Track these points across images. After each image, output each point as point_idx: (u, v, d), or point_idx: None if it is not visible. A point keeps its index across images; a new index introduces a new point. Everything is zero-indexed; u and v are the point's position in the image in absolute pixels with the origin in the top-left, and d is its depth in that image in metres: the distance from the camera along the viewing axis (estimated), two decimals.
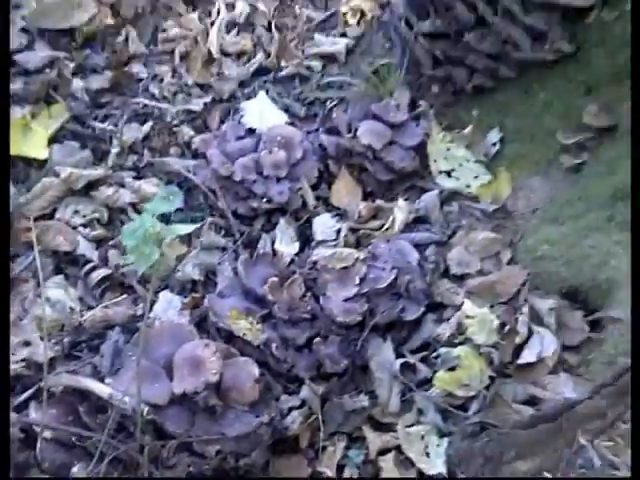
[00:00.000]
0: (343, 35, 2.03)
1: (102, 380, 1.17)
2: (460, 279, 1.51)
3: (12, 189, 1.36)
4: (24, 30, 1.65)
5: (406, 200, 1.66)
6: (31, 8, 1.68)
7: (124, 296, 1.38)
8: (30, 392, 1.17)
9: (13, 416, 1.08)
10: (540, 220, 1.60)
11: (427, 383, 1.29)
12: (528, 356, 1.29)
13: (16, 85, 1.53)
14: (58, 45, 1.70)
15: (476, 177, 1.66)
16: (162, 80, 1.83)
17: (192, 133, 1.74)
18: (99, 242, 1.45)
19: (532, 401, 1.23)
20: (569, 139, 1.63)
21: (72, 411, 1.13)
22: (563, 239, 1.49)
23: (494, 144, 1.70)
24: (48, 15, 1.70)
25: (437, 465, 1.20)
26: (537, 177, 1.61)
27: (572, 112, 1.63)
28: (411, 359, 1.36)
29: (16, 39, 1.59)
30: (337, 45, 2.00)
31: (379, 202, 1.70)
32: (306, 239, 1.66)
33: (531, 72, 1.70)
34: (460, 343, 1.34)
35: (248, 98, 1.87)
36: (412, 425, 1.26)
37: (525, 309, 1.37)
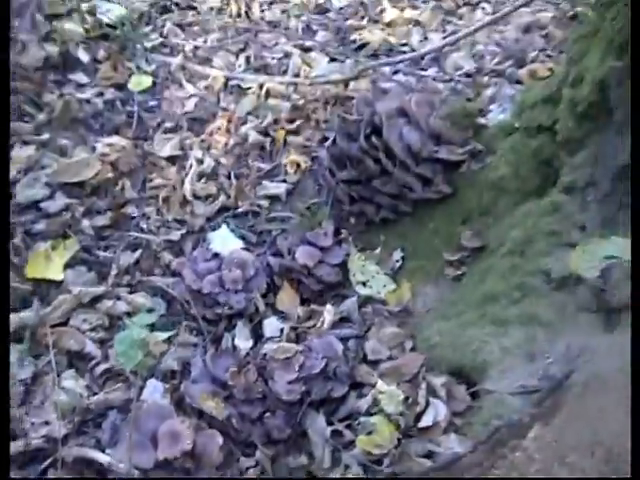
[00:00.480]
0: (284, 181, 2.38)
1: (103, 451, 1.40)
2: (374, 364, 1.74)
3: (36, 304, 1.61)
4: (47, 184, 1.93)
5: (333, 305, 1.91)
6: (53, 168, 1.98)
7: (120, 384, 1.58)
8: (49, 461, 1.38)
9: None
10: (433, 317, 1.83)
11: (351, 444, 1.52)
12: (426, 421, 1.53)
13: (40, 225, 1.80)
14: (72, 194, 2.00)
15: (385, 286, 1.98)
16: (149, 218, 2.08)
17: (171, 257, 1.99)
18: (102, 343, 1.68)
19: (430, 455, 1.47)
20: (452, 256, 1.96)
21: (80, 475, 1.37)
22: (450, 331, 1.71)
23: (397, 261, 2.06)
24: (65, 172, 1.99)
25: None
26: (430, 285, 1.95)
27: (453, 237, 2.02)
28: (339, 427, 1.59)
29: (41, 191, 1.87)
30: (280, 189, 2.35)
31: (313, 306, 1.94)
32: (258, 336, 1.85)
33: (422, 208, 2.12)
34: (375, 413, 1.57)
35: (213, 230, 2.13)
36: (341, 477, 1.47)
37: (423, 385, 1.61)
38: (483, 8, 3.84)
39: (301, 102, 2.81)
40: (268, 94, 2.81)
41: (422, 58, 3.07)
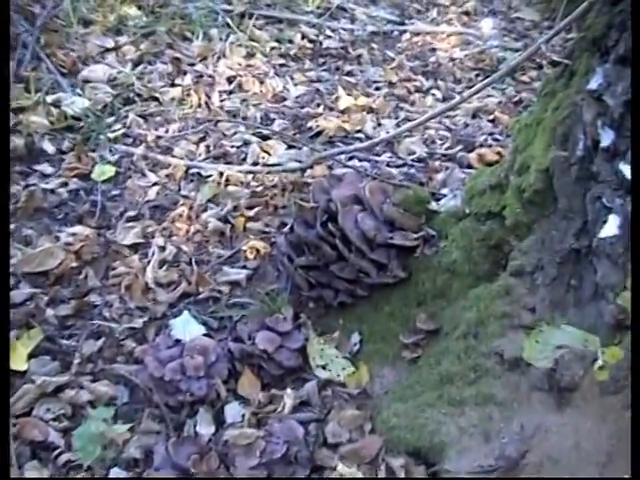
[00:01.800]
0: (244, 267, 2.53)
1: None
2: (335, 447, 1.84)
3: None
4: (12, 274, 2.01)
5: (293, 389, 1.99)
6: (18, 257, 2.09)
7: (83, 474, 1.66)
8: None
9: None
10: (390, 399, 1.92)
11: None
12: None
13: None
14: (36, 284, 2.10)
15: (344, 369, 2.09)
16: (112, 306, 2.18)
17: (134, 345, 2.07)
18: (65, 432, 1.74)
19: None
20: (408, 339, 2.08)
21: None
22: (408, 413, 1.80)
23: (355, 344, 2.17)
24: (29, 262, 2.10)
25: None
26: (387, 367, 2.06)
27: (409, 320, 2.14)
28: None
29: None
30: (240, 275, 2.45)
31: (274, 391, 2.01)
32: (220, 422, 1.92)
33: (378, 292, 2.24)
34: None
35: (175, 316, 2.22)
36: None
37: (382, 467, 1.74)
38: (433, 94, 4.29)
39: (260, 189, 3.03)
40: (228, 182, 3.04)
41: (376, 145, 3.47)
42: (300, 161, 3.26)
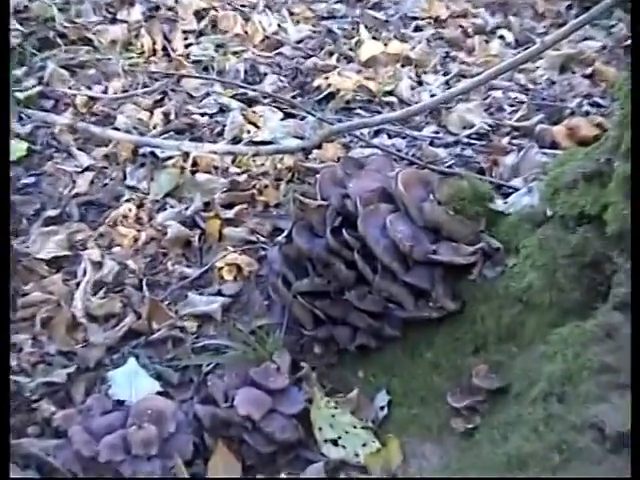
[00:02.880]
0: (219, 293, 2.56)
1: None
2: None
3: None
4: None
5: (289, 474, 2.05)
6: None
7: None
8: None
9: None
10: None
11: None
12: None
13: None
14: None
15: (364, 445, 2.11)
16: (21, 350, 2.17)
17: (53, 409, 2.06)
18: None
19: None
20: (459, 402, 2.12)
21: None
22: None
23: (382, 408, 2.22)
24: None
25: None
26: (428, 443, 2.10)
27: (461, 373, 2.21)
28: None
29: None
30: (213, 304, 2.52)
31: (261, 477, 2.07)
32: None
33: (416, 331, 2.35)
34: None
35: (117, 366, 2.24)
36: None
37: None
38: (501, 37, 4.28)
39: (243, 178, 3.07)
40: (196, 167, 3.10)
41: (415, 114, 3.48)
42: (302, 137, 3.30)
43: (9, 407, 1.77)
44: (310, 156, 3.13)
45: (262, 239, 2.90)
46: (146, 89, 3.32)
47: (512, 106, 3.61)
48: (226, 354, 2.47)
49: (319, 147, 3.15)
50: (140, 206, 2.85)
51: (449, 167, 3.20)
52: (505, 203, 2.66)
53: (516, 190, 2.77)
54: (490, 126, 3.44)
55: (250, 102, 3.39)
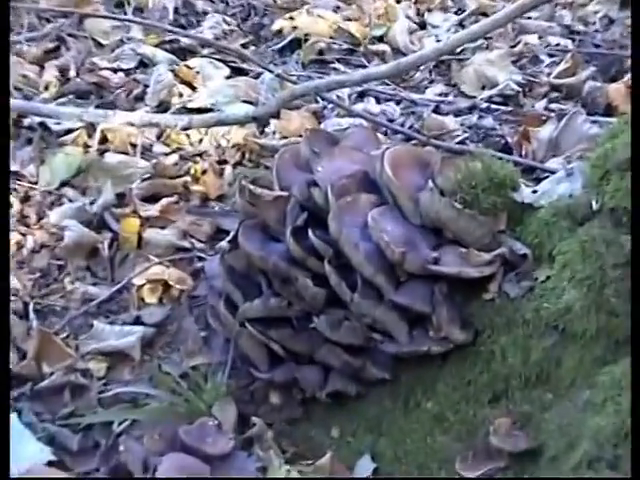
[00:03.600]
0: (138, 321, 2.70)
1: None
2: None
3: None
4: None
5: None
6: None
7: None
8: None
9: None
10: None
11: None
12: None
13: None
14: None
15: None
16: None
17: None
18: None
19: None
20: (473, 470, 2.21)
21: None
22: None
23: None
24: None
25: None
26: None
27: (474, 430, 2.32)
28: None
29: None
30: (129, 337, 2.60)
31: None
32: None
33: (411, 372, 2.44)
34: None
35: None
36: None
37: None
38: None
39: (172, 160, 3.16)
40: (106, 145, 3.17)
41: (417, 67, 3.49)
42: (256, 103, 3.36)
43: (9, 407, 2.11)
44: (267, 129, 3.14)
45: (198, 245, 2.95)
46: (33, 33, 3.32)
47: (552, 56, 3.63)
48: (147, 407, 2.55)
49: (278, 116, 3.20)
50: (25, 200, 2.88)
51: (461, 143, 3.23)
52: (535, 192, 2.69)
53: (551, 174, 2.82)
54: (520, 85, 3.48)
55: (183, 53, 3.41)
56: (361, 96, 3.27)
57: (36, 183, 2.83)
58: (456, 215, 2.56)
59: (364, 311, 2.51)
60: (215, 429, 2.48)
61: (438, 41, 3.51)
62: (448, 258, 2.54)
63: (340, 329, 2.54)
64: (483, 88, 3.35)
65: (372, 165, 2.66)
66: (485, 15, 3.65)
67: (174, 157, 3.01)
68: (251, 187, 2.72)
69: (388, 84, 3.28)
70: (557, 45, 3.51)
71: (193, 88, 3.26)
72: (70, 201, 2.85)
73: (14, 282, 2.75)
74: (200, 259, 2.90)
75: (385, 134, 3.23)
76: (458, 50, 3.43)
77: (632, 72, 2.11)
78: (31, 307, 2.67)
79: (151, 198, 2.99)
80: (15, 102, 3.06)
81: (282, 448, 2.49)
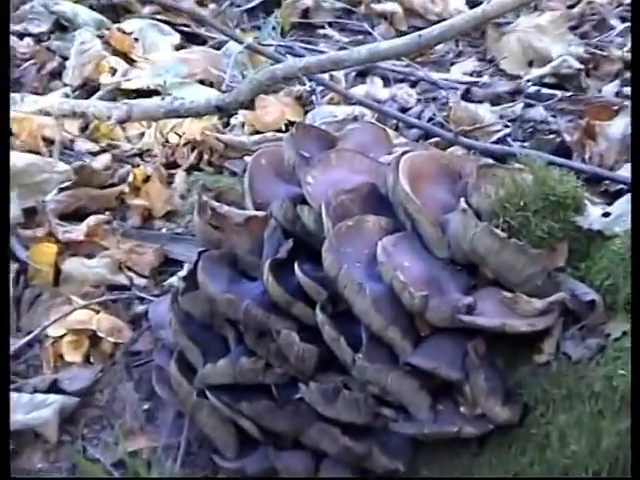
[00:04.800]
0: (54, 388, 2.74)
1: None
2: None
3: None
4: None
5: None
6: None
7: None
8: None
9: None
10: None
11: None
12: None
13: None
14: None
15: None
16: None
17: None
18: None
19: None
20: None
21: None
22: None
23: None
24: None
25: None
26: None
27: None
28: None
29: None
30: (42, 409, 2.66)
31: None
32: None
33: (436, 461, 2.57)
34: None
35: None
36: None
37: None
38: None
39: (102, 163, 3.22)
40: (10, 140, 3.06)
41: (437, 41, 3.51)
42: (219, 86, 3.46)
43: (9, 407, 2.34)
44: (233, 120, 3.15)
45: (139, 282, 2.99)
46: None
47: (625, 20, 3.66)
48: None
49: (251, 105, 3.17)
50: None
51: (500, 142, 3.24)
52: (606, 215, 2.73)
53: (626, 186, 2.89)
54: (582, 61, 3.50)
55: (116, 12, 3.43)
56: (362, 75, 3.29)
57: None
58: (498, 246, 2.58)
59: (371, 377, 2.55)
60: None
61: (474, 3, 3.45)
62: (486, 306, 2.58)
63: (337, 402, 2.56)
64: (530, 65, 3.36)
65: (382, 176, 2.70)
66: None
67: (105, 158, 3.01)
68: (214, 204, 2.73)
69: (400, 60, 3.23)
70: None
71: (130, 61, 3.26)
72: None
73: None
74: (141, 301, 2.93)
75: (396, 129, 3.23)
76: (495, 14, 3.36)
77: (632, 75, 2.08)
78: None
79: (73, 215, 2.95)
80: None
81: None
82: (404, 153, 2.65)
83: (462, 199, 2.62)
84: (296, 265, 2.57)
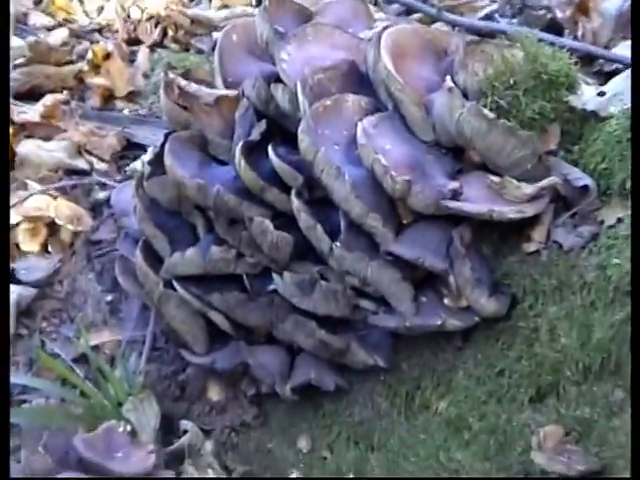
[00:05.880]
0: (11, 278, 2.73)
1: None
2: None
3: None
4: None
5: None
6: None
7: None
8: None
9: None
10: None
11: None
12: None
13: None
14: None
15: None
16: None
17: None
18: None
19: None
20: None
21: None
22: None
23: None
24: None
25: None
26: None
27: (509, 442, 2.49)
28: None
29: None
30: None
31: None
32: None
33: (418, 356, 2.62)
34: None
35: None
36: None
37: None
38: None
39: (58, 38, 3.13)
40: None
41: None
42: None
43: (9, 407, 2.33)
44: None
45: (99, 166, 2.98)
46: None
47: None
48: (25, 406, 2.63)
49: None
50: None
51: (487, 18, 3.22)
52: (601, 94, 2.72)
53: (622, 65, 2.86)
54: None
55: None
56: None
57: None
58: (486, 127, 2.57)
59: (349, 267, 2.57)
60: (128, 438, 2.52)
61: None
62: (473, 191, 2.58)
63: (313, 293, 2.58)
64: None
65: (362, 53, 2.68)
66: None
67: (62, 33, 2.98)
68: (182, 82, 2.70)
69: None
70: None
71: None
72: None
73: None
74: (102, 187, 2.95)
75: (375, 4, 3.20)
76: None
77: (632, 75, 2.30)
78: None
79: (28, 95, 2.93)
80: None
81: (226, 466, 2.56)
82: (386, 28, 2.60)
83: (448, 77, 2.60)
84: (270, 148, 2.56)
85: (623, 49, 3.08)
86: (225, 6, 3.22)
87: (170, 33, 3.17)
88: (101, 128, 2.96)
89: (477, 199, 2.55)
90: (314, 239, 2.55)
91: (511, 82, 2.63)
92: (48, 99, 2.95)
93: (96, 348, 2.62)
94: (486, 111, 2.55)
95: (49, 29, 3.16)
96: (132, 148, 2.91)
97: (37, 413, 2.56)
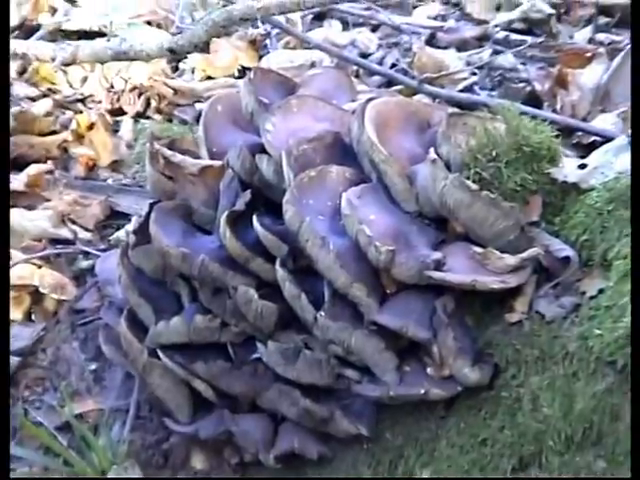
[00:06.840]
0: None
1: None
2: None
3: None
4: None
5: None
6: None
7: None
8: None
9: None
10: None
11: None
12: None
13: None
14: None
15: None
16: None
17: None
18: None
19: None
20: None
21: None
22: None
23: None
24: None
25: None
26: None
27: None
28: None
29: None
30: None
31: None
32: None
33: (401, 425, 2.64)
34: None
35: None
36: None
37: None
38: None
39: (42, 108, 3.20)
40: None
41: None
42: (164, 26, 3.35)
43: (9, 407, 2.40)
44: (182, 65, 3.17)
45: (83, 235, 3.02)
46: None
47: None
48: (12, 474, 2.59)
49: (205, 48, 3.17)
50: None
51: (467, 90, 3.26)
52: (582, 167, 2.76)
53: (601, 138, 2.91)
54: (553, 5, 3.53)
55: None
56: (319, 18, 3.27)
57: None
58: (469, 199, 2.61)
59: (333, 337, 2.59)
60: None
61: None
62: (456, 262, 2.61)
63: (297, 362, 2.61)
64: (498, 9, 3.37)
65: (346, 124, 2.72)
66: None
67: (45, 103, 3.03)
68: (167, 152, 2.73)
69: (360, 1, 3.24)
70: None
71: (72, 0, 3.24)
72: None
73: None
74: (86, 256, 2.99)
75: (356, 76, 3.25)
76: None
77: (632, 75, 2.34)
78: None
79: (12, 164, 2.94)
80: None
81: None
82: (370, 100, 2.64)
83: (431, 149, 2.64)
84: (255, 218, 2.59)
85: (601, 122, 3.13)
86: (208, 77, 3.26)
87: (153, 103, 3.21)
88: (85, 197, 2.99)
89: (460, 269, 2.57)
90: (298, 308, 2.57)
91: (493, 154, 2.67)
92: (32, 168, 2.99)
93: (80, 416, 2.62)
94: (469, 183, 2.59)
95: (33, 99, 3.20)
96: (116, 217, 2.94)
97: None
